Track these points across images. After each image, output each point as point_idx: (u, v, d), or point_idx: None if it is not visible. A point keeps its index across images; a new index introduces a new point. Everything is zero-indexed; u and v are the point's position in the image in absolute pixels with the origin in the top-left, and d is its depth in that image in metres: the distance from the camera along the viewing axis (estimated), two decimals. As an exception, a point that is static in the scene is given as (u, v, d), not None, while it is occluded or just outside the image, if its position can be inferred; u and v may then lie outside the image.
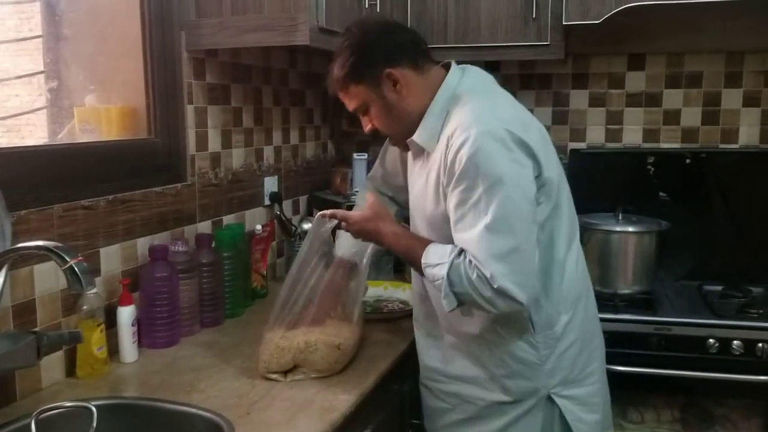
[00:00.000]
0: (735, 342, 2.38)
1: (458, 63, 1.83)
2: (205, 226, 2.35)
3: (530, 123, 1.73)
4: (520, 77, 3.16)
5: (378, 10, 2.45)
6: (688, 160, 2.99)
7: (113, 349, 1.89)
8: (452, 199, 1.64)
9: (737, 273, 2.84)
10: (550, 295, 1.73)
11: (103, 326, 1.81)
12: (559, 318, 1.76)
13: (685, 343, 2.43)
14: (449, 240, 1.69)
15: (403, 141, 1.83)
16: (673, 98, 3.04)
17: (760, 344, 2.37)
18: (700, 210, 2.96)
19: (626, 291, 2.66)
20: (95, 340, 1.78)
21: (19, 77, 2.03)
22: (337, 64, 1.77)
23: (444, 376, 1.89)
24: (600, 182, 2.98)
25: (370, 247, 1.95)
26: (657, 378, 2.44)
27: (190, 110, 2.27)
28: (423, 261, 1.70)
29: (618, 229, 2.65)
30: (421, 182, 1.80)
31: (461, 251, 1.64)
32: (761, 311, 2.51)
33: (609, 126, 3.12)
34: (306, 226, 2.68)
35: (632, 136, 3.10)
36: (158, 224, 2.13)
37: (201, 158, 2.33)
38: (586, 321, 1.83)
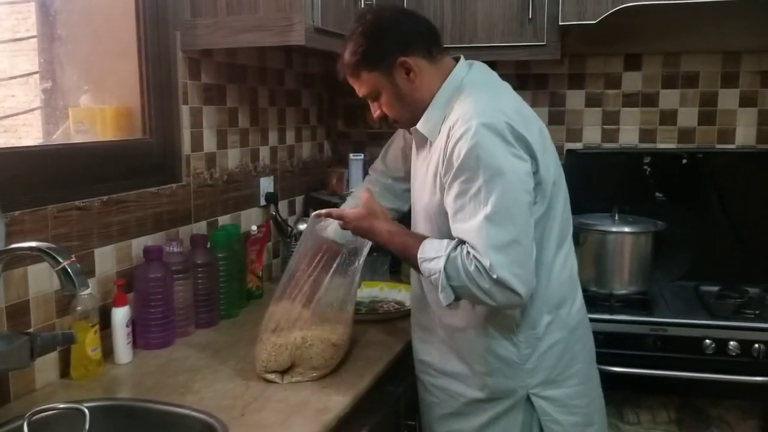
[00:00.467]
0: (731, 343, 2.38)
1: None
2: (200, 227, 2.35)
3: (532, 121, 1.73)
4: (517, 77, 3.16)
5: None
6: (684, 161, 2.99)
7: (108, 350, 1.88)
8: (451, 191, 1.64)
9: (734, 273, 2.85)
10: (534, 295, 1.72)
11: (97, 327, 1.80)
12: (542, 318, 1.76)
13: (682, 343, 2.43)
14: (444, 232, 1.69)
15: (409, 127, 1.83)
16: (669, 98, 3.04)
17: (757, 345, 2.37)
18: (696, 210, 2.96)
19: (622, 291, 2.66)
20: (89, 341, 1.77)
21: (13, 78, 2.03)
22: (349, 50, 1.77)
23: (434, 370, 1.90)
24: (596, 182, 2.98)
25: (367, 246, 1.94)
26: (653, 379, 2.44)
27: (185, 110, 2.26)
28: (419, 256, 1.70)
29: (614, 229, 2.65)
30: (422, 172, 1.80)
31: (458, 245, 1.64)
32: (758, 312, 2.51)
33: (605, 126, 3.12)
34: (302, 226, 2.68)
35: (629, 136, 3.10)
36: (153, 225, 2.13)
37: (196, 158, 2.33)
38: (570, 323, 1.82)
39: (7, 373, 1.62)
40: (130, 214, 2.03)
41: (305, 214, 3.01)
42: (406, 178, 2.02)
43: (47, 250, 1.45)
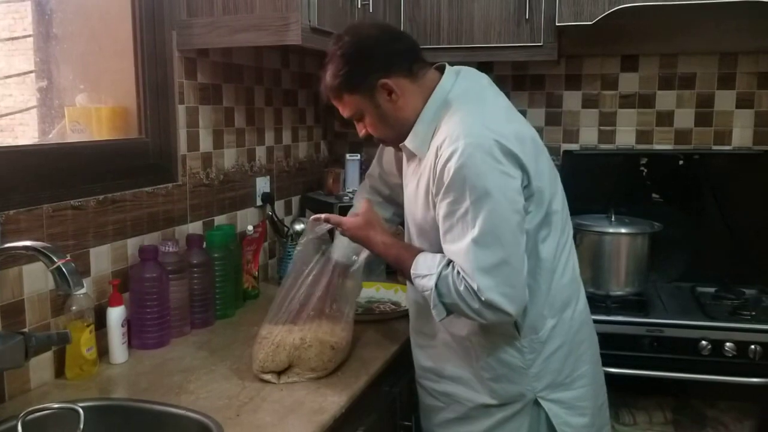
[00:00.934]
0: (727, 344, 2.38)
1: (452, 65, 1.82)
2: (196, 227, 2.34)
3: (521, 130, 1.71)
4: (513, 78, 3.16)
5: (370, 11, 2.44)
6: (681, 162, 2.99)
7: (103, 350, 1.88)
8: (441, 210, 1.64)
9: (730, 275, 2.85)
10: (535, 300, 1.72)
11: (92, 327, 1.80)
12: (545, 322, 1.75)
13: (678, 344, 2.44)
14: (438, 245, 1.69)
15: (396, 144, 1.83)
16: (666, 100, 3.04)
17: (753, 346, 2.37)
18: (693, 212, 2.97)
19: (619, 292, 2.66)
20: (84, 340, 1.77)
21: (9, 77, 2.02)
22: (330, 73, 1.75)
23: (437, 376, 1.90)
24: (593, 183, 2.98)
25: (365, 251, 1.95)
26: (649, 380, 2.44)
27: (181, 110, 2.26)
28: (412, 272, 1.71)
29: (611, 230, 2.65)
30: (413, 186, 1.80)
31: (450, 262, 1.64)
32: (754, 313, 2.51)
33: (602, 127, 3.13)
34: (298, 227, 2.67)
35: (625, 137, 3.10)
36: (149, 224, 2.12)
37: (192, 158, 2.32)
38: (574, 325, 1.82)
39: (2, 373, 1.62)
40: (126, 214, 2.03)
41: (301, 214, 3.01)
42: (401, 183, 2.01)
43: (42, 250, 1.45)
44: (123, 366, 1.88)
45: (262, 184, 2.75)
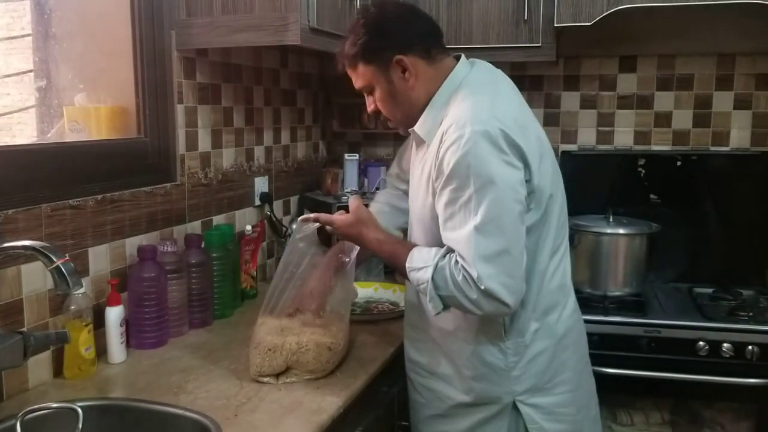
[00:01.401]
0: (725, 345, 2.39)
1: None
2: (194, 227, 2.35)
3: (529, 127, 1.71)
4: (512, 79, 3.12)
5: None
6: (678, 163, 2.99)
7: (101, 350, 1.88)
8: (442, 198, 1.63)
9: (727, 275, 2.85)
10: (524, 302, 1.71)
11: (90, 326, 1.80)
12: (529, 326, 1.74)
13: (675, 345, 2.44)
14: (435, 236, 1.69)
15: (403, 127, 1.82)
16: (664, 100, 3.05)
17: (750, 347, 2.37)
18: (690, 212, 2.97)
19: (616, 293, 2.66)
20: (83, 340, 1.77)
21: (8, 76, 2.02)
22: (350, 41, 1.76)
23: (423, 370, 1.90)
24: (591, 184, 2.98)
25: (356, 249, 1.94)
26: (646, 380, 2.45)
27: (180, 110, 2.26)
28: (407, 265, 1.69)
29: (608, 231, 2.65)
30: (418, 173, 1.79)
31: (446, 254, 1.64)
32: (751, 314, 2.52)
33: (600, 128, 3.13)
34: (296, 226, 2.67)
35: (623, 138, 3.10)
36: (147, 224, 2.12)
37: (191, 158, 2.32)
38: (559, 331, 1.80)
39: (0, 372, 1.62)
40: (124, 214, 2.03)
41: (300, 214, 3.01)
42: None
43: (41, 249, 1.46)
44: (121, 366, 1.89)
45: (261, 184, 2.75)
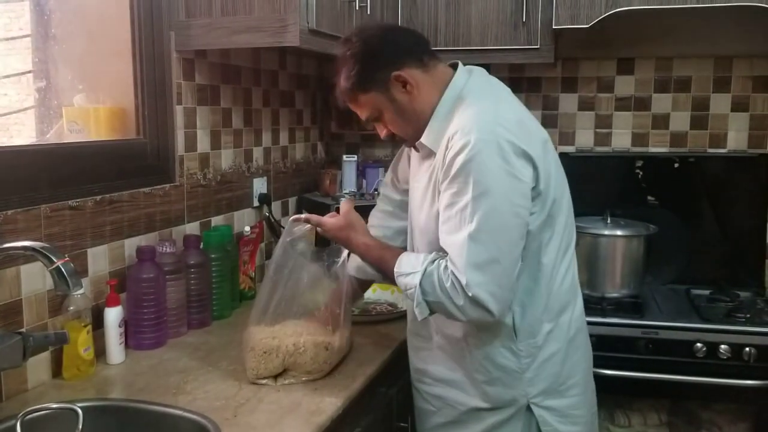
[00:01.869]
0: (722, 346, 2.39)
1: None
2: (193, 227, 2.35)
3: (534, 132, 1.71)
4: (510, 81, 3.14)
5: (368, 13, 2.44)
6: (676, 165, 3.00)
7: (100, 351, 1.88)
8: (442, 200, 1.64)
9: (725, 277, 2.87)
10: (534, 303, 1.72)
11: (89, 327, 1.80)
12: (542, 327, 1.75)
13: (673, 347, 2.45)
14: (438, 247, 1.68)
15: (415, 141, 1.81)
16: (661, 103, 3.05)
17: (747, 348, 2.38)
18: (688, 214, 2.98)
19: (614, 294, 2.67)
20: (82, 341, 1.77)
21: (7, 77, 2.02)
22: (343, 76, 1.75)
23: (430, 378, 1.89)
24: (588, 186, 2.98)
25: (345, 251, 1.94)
26: (644, 382, 2.45)
27: (179, 111, 2.26)
28: (396, 270, 1.71)
29: (606, 232, 2.66)
30: (424, 183, 1.78)
31: (434, 260, 1.64)
32: (748, 316, 2.53)
33: (598, 130, 3.13)
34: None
35: (621, 140, 3.11)
36: (146, 225, 2.12)
37: (189, 159, 2.33)
38: (571, 332, 1.81)
39: (0, 373, 1.62)
40: (123, 214, 2.03)
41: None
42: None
43: (41, 250, 1.46)
44: (120, 366, 1.89)
45: (259, 185, 2.75)
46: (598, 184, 3.02)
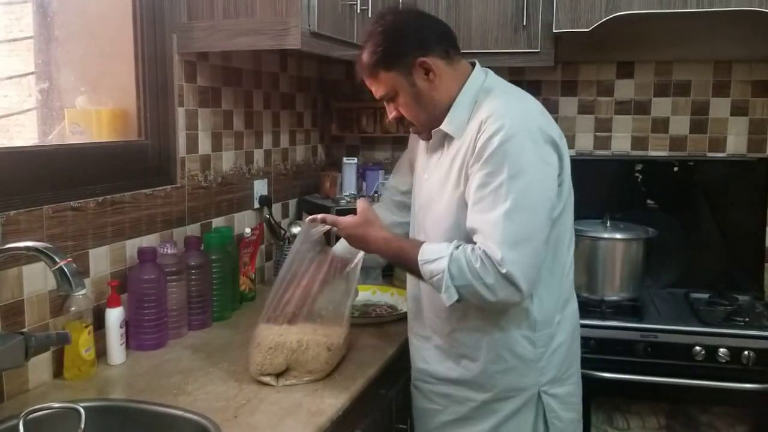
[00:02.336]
0: (721, 350, 2.40)
1: None
2: (194, 229, 2.35)
3: (555, 125, 1.77)
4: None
5: (369, 15, 2.45)
6: (675, 168, 3.01)
7: (101, 351, 1.88)
8: (474, 181, 1.66)
9: (724, 281, 2.87)
10: (551, 293, 1.77)
11: (91, 328, 1.81)
12: (555, 317, 1.80)
13: (672, 350, 2.45)
14: (449, 236, 1.71)
15: (426, 130, 1.83)
16: (661, 106, 3.06)
17: (746, 352, 2.38)
18: (687, 218, 2.99)
19: (613, 298, 2.68)
20: (83, 341, 1.78)
21: (10, 78, 2.03)
22: (368, 50, 1.77)
23: (433, 378, 1.90)
24: (588, 189, 2.95)
25: (361, 253, 1.94)
26: (643, 385, 2.45)
27: (180, 113, 2.27)
28: (420, 258, 1.69)
29: (605, 235, 2.67)
30: (444, 170, 1.79)
31: (458, 245, 1.65)
32: (747, 319, 2.53)
33: (598, 133, 3.14)
34: (295, 229, 2.69)
35: (621, 143, 3.12)
36: (147, 226, 2.13)
37: (191, 161, 2.33)
38: (573, 323, 1.88)
39: (1, 373, 1.62)
40: (125, 216, 2.04)
41: (298, 217, 3.02)
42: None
43: (44, 250, 1.46)
44: (121, 367, 1.89)
45: (260, 187, 2.76)
46: (598, 188, 3.02)
